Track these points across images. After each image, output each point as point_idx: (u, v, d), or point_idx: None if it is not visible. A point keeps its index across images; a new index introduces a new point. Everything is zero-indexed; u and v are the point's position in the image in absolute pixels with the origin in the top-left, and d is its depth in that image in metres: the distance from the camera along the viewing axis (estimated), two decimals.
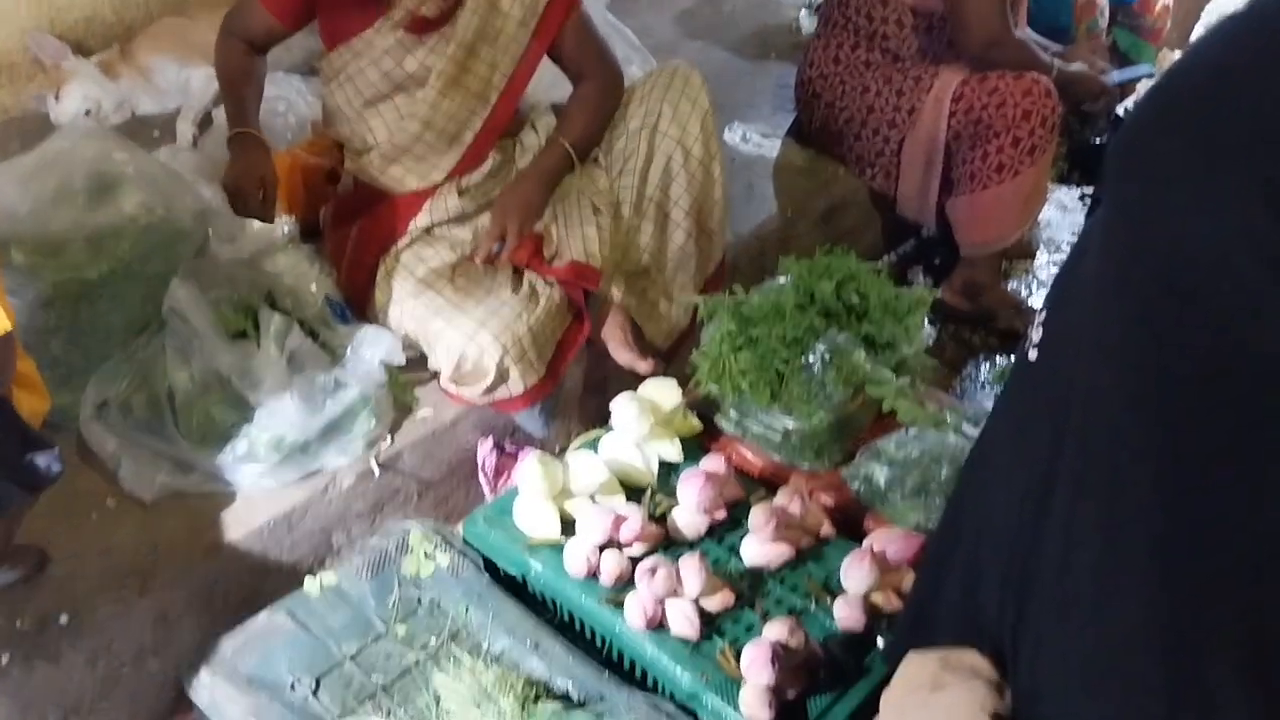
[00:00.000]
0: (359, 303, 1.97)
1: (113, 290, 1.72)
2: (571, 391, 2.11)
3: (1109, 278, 0.80)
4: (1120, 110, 2.81)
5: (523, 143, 2.06)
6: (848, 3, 2.53)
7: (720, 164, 2.08)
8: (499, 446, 1.96)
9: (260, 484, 1.69)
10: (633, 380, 1.96)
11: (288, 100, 2.43)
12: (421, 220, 1.95)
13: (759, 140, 2.71)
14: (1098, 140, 3.01)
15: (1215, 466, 0.76)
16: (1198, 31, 3.38)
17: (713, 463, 1.74)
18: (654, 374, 1.95)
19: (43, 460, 1.33)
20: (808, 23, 3.29)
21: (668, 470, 1.77)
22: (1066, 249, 2.86)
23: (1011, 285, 2.70)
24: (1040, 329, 0.90)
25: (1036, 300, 2.65)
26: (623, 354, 2.01)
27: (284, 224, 2.02)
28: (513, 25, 1.92)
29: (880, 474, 1.62)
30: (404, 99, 1.92)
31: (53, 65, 2.53)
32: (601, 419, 1.91)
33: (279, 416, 1.69)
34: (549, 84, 2.21)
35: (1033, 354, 0.90)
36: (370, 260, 1.94)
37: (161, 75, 2.62)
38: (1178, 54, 3.41)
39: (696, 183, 2.04)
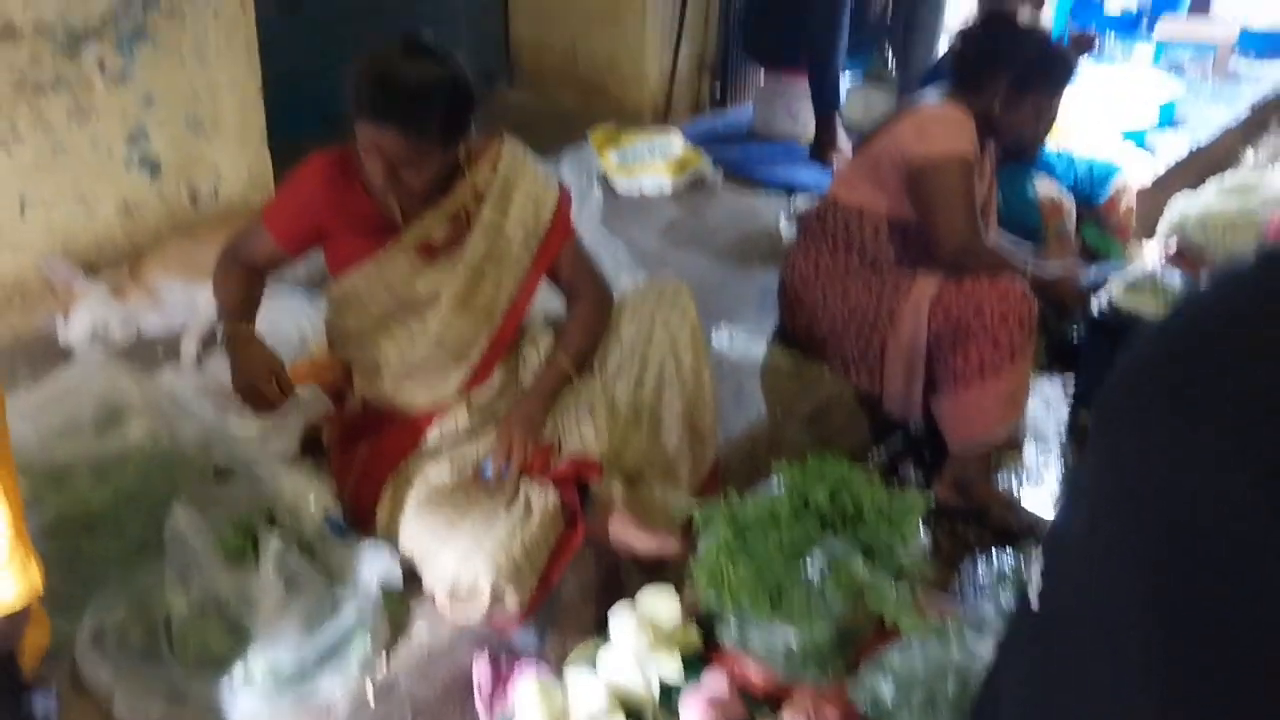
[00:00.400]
0: (363, 520, 1.98)
1: (115, 518, 1.74)
2: (567, 599, 2.10)
3: (1106, 533, 0.81)
4: (1094, 308, 2.92)
5: (525, 359, 2.14)
6: (825, 214, 2.67)
7: (709, 370, 2.17)
8: (494, 663, 1.93)
9: (256, 716, 1.66)
10: (630, 583, 1.96)
11: (291, 316, 2.50)
12: (432, 437, 2.00)
13: (744, 343, 2.80)
14: (1075, 331, 3.12)
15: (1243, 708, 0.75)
16: (1162, 227, 3.55)
17: (714, 681, 1.72)
18: (675, 554, 1.95)
19: (40, 703, 1.32)
20: (787, 230, 3.44)
21: (669, 687, 1.75)
22: (1053, 441, 2.92)
23: (1002, 480, 2.73)
24: (1040, 578, 0.91)
25: (1027, 495, 2.68)
26: (639, 539, 1.99)
27: (307, 393, 2.09)
28: (516, 248, 2.02)
29: (886, 691, 1.60)
30: (415, 319, 2.00)
31: (64, 288, 2.63)
32: (598, 626, 1.90)
33: (276, 643, 1.68)
34: (543, 295, 2.30)
35: (1035, 603, 0.91)
36: (380, 478, 1.97)
37: (168, 295, 2.71)
38: (1146, 246, 3.58)
39: (688, 389, 2.11)
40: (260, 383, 1.88)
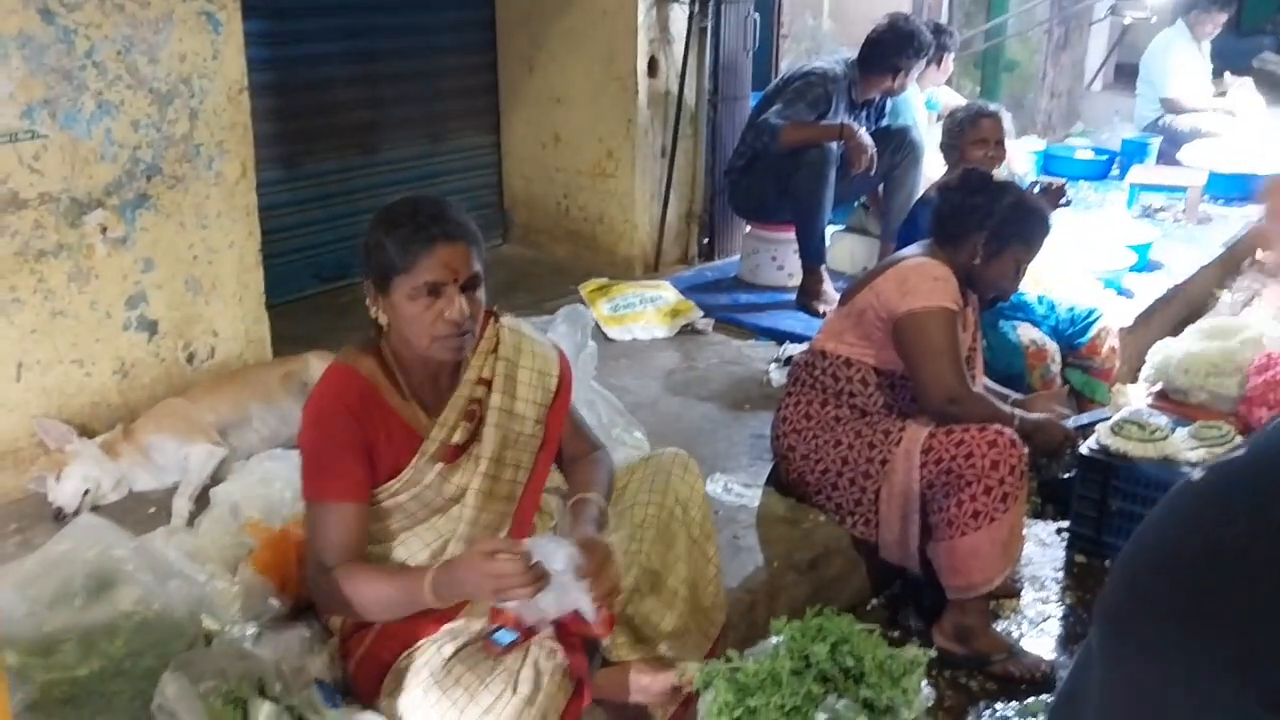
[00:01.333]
0: (363, 691, 1.90)
1: (102, 690, 1.70)
2: None
3: None
4: (1085, 449, 2.94)
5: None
6: (814, 363, 2.71)
7: (714, 545, 2.16)
8: None
9: None
10: None
11: (284, 476, 2.49)
12: (457, 625, 1.86)
13: (740, 491, 2.80)
14: (1066, 475, 3.13)
15: None
16: (1146, 371, 3.61)
17: None
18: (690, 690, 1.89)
19: None
20: (777, 376, 3.49)
21: None
22: (1051, 586, 2.89)
23: (1002, 626, 2.69)
24: None
25: (1027, 641, 2.64)
26: (656, 682, 1.94)
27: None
28: (530, 425, 1.97)
29: None
30: (443, 519, 1.92)
31: (56, 448, 2.63)
32: None
33: None
34: None
35: None
36: (389, 657, 1.86)
37: (160, 453, 2.71)
38: (1130, 389, 3.62)
39: (693, 561, 2.09)
40: (503, 576, 1.63)
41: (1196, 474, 0.82)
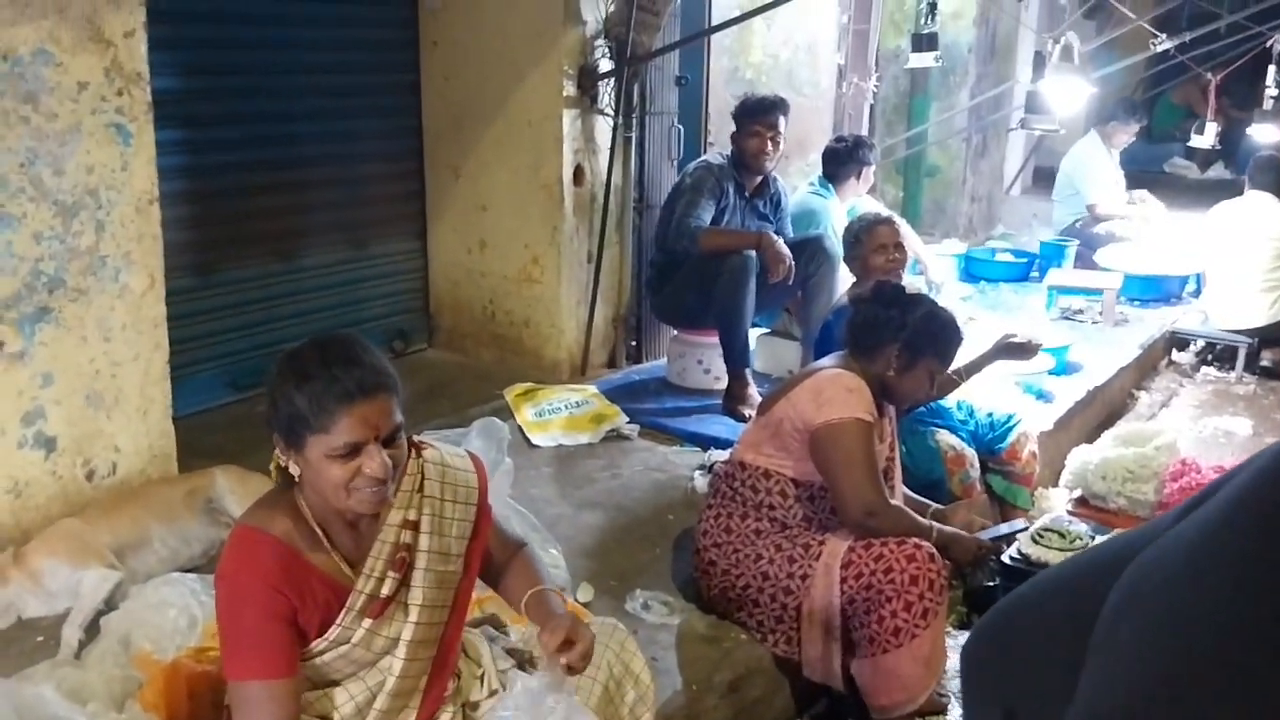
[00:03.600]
0: None
1: None
2: None
3: None
4: (1007, 557, 2.93)
5: (462, 678, 1.92)
6: (734, 475, 2.68)
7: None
8: None
9: None
10: None
11: (179, 603, 2.38)
12: None
13: (660, 609, 2.73)
14: (990, 584, 3.11)
15: None
16: (1065, 477, 3.64)
17: None
18: None
19: None
20: (702, 483, 3.45)
21: None
22: None
23: None
24: None
25: None
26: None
27: None
28: (454, 564, 1.84)
29: None
30: (370, 671, 1.79)
31: None
32: None
33: None
34: None
35: None
36: None
37: (52, 578, 2.57)
38: (1052, 493, 3.65)
39: None
40: None
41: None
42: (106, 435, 2.87)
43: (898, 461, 2.81)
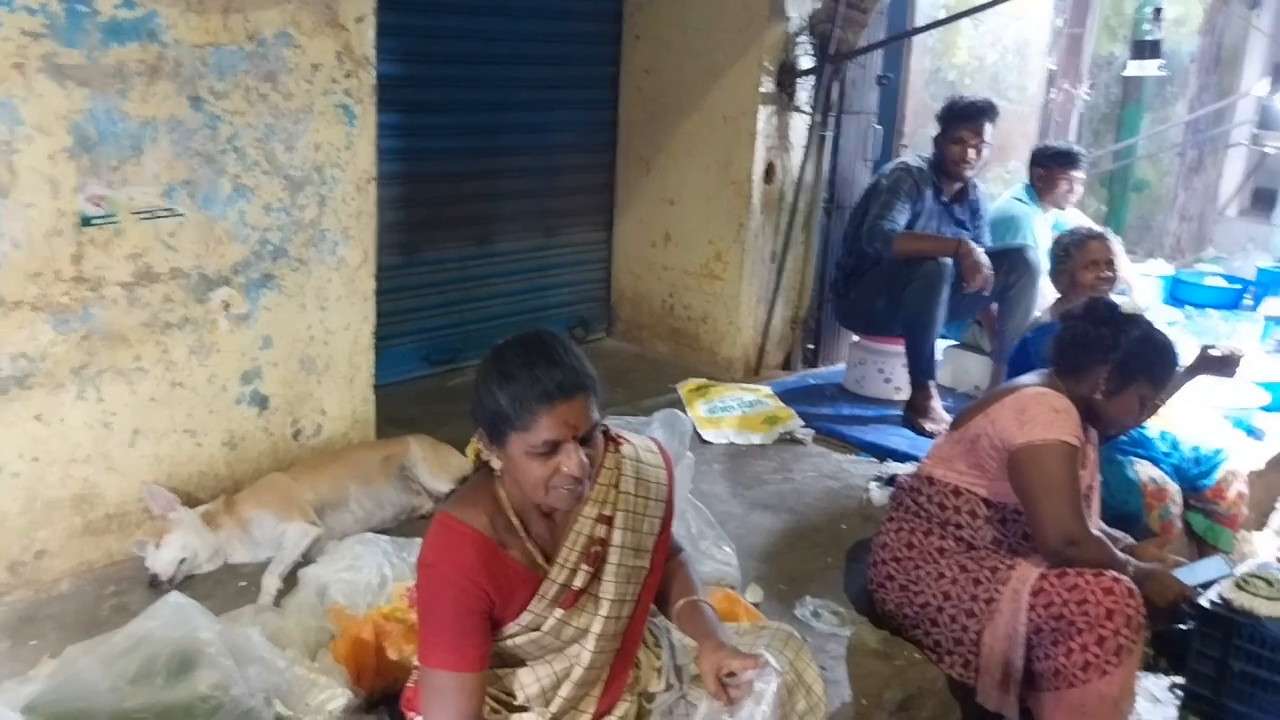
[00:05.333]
0: None
1: None
2: None
3: None
4: (1205, 601, 2.75)
5: (640, 668, 1.94)
6: (919, 489, 2.61)
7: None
8: None
9: None
10: None
11: (372, 562, 2.50)
12: None
13: (830, 618, 2.69)
14: (1183, 626, 2.93)
15: None
16: (1275, 521, 3.39)
17: None
18: None
19: None
20: (878, 495, 3.38)
21: None
22: None
23: None
24: None
25: None
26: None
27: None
28: (644, 558, 1.86)
29: None
30: (558, 657, 1.84)
31: (160, 515, 2.69)
32: None
33: None
34: None
35: None
36: None
37: (258, 527, 2.75)
38: (1256, 537, 3.40)
39: None
40: None
41: None
42: (315, 398, 3.04)
43: (1097, 490, 2.68)
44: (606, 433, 1.86)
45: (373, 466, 2.95)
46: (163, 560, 2.61)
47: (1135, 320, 2.57)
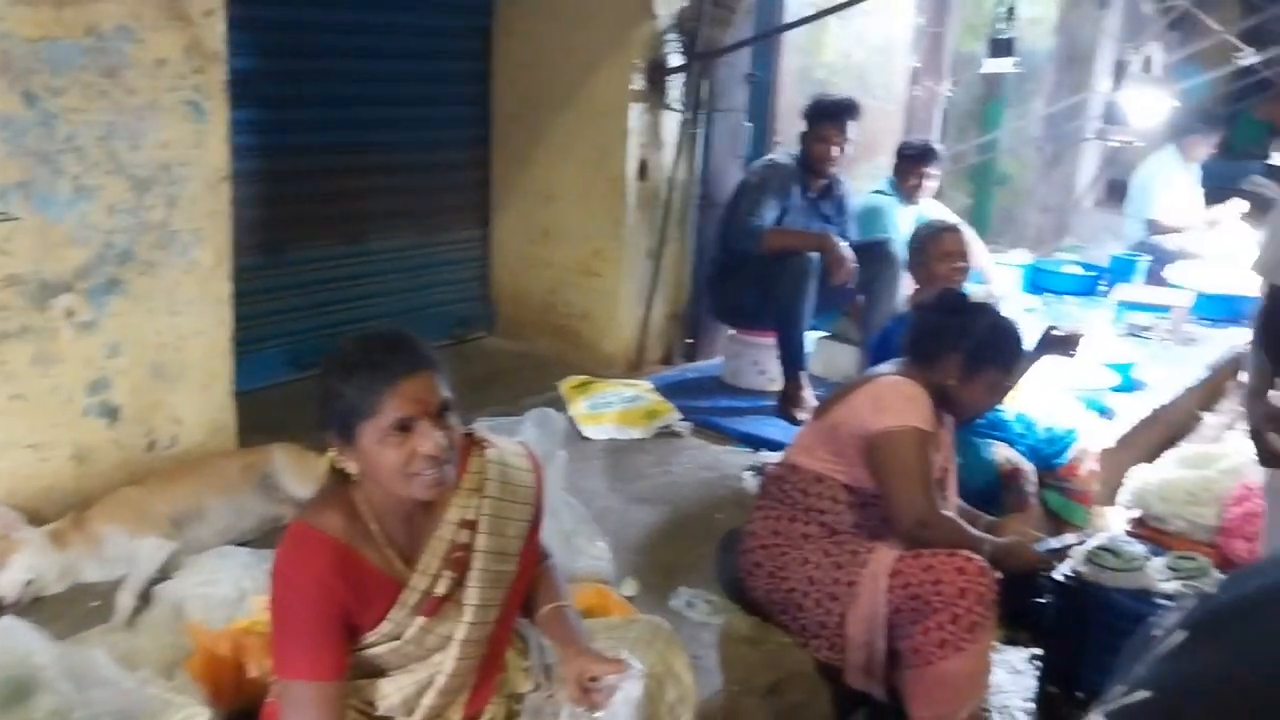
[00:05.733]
0: None
1: None
2: None
3: None
4: (1059, 575, 2.87)
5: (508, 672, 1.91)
6: (784, 477, 2.66)
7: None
8: None
9: None
10: None
11: (232, 575, 2.42)
12: None
13: (704, 608, 2.72)
14: (1040, 600, 3.05)
15: None
16: (1124, 496, 3.56)
17: None
18: None
19: None
20: (752, 484, 3.43)
21: None
22: (1021, 716, 2.79)
23: None
24: None
25: None
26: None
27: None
28: (510, 563, 1.84)
29: None
30: (421, 665, 1.80)
31: (2, 535, 2.56)
32: None
33: None
34: None
35: None
36: None
37: (110, 544, 2.64)
38: (1109, 512, 3.57)
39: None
40: None
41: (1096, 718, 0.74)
42: (169, 407, 2.93)
43: (954, 472, 2.77)
44: (471, 436, 1.83)
45: (232, 476, 2.86)
46: (5, 583, 2.48)
47: (984, 309, 2.67)
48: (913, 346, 2.64)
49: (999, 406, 3.21)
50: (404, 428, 1.62)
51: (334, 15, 4.06)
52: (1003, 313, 2.77)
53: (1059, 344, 3.30)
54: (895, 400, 2.49)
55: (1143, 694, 0.69)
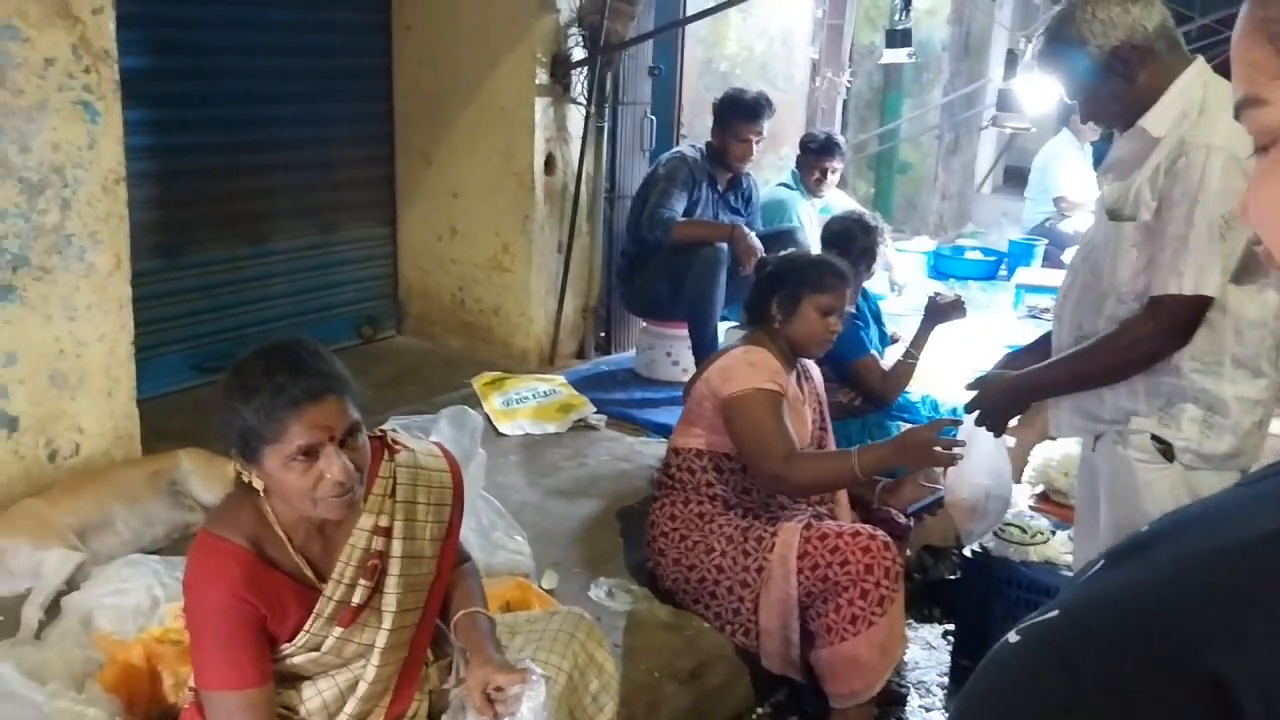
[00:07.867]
0: None
1: None
2: None
3: None
4: (967, 550, 2.97)
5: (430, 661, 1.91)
6: (670, 463, 2.74)
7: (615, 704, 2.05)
8: None
9: None
10: None
11: (141, 584, 2.37)
12: None
13: (624, 596, 2.75)
14: (950, 577, 3.16)
15: None
16: (1027, 472, 3.68)
17: None
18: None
19: None
20: None
21: None
22: (937, 690, 2.89)
23: None
24: None
25: None
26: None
27: None
28: (428, 566, 1.82)
29: None
30: (343, 673, 1.78)
31: None
32: None
33: None
34: None
35: None
36: None
37: (13, 558, 2.56)
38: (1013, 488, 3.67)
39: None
40: None
41: (1012, 636, 0.80)
42: (70, 415, 2.85)
43: (830, 430, 2.87)
44: (383, 440, 1.81)
45: (139, 484, 2.79)
46: None
47: (781, 255, 2.88)
48: (747, 315, 2.83)
49: (908, 388, 3.32)
50: (309, 454, 1.58)
51: (230, 11, 3.97)
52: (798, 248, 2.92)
53: (945, 310, 3.40)
54: (739, 368, 2.60)
55: (1053, 613, 0.75)
